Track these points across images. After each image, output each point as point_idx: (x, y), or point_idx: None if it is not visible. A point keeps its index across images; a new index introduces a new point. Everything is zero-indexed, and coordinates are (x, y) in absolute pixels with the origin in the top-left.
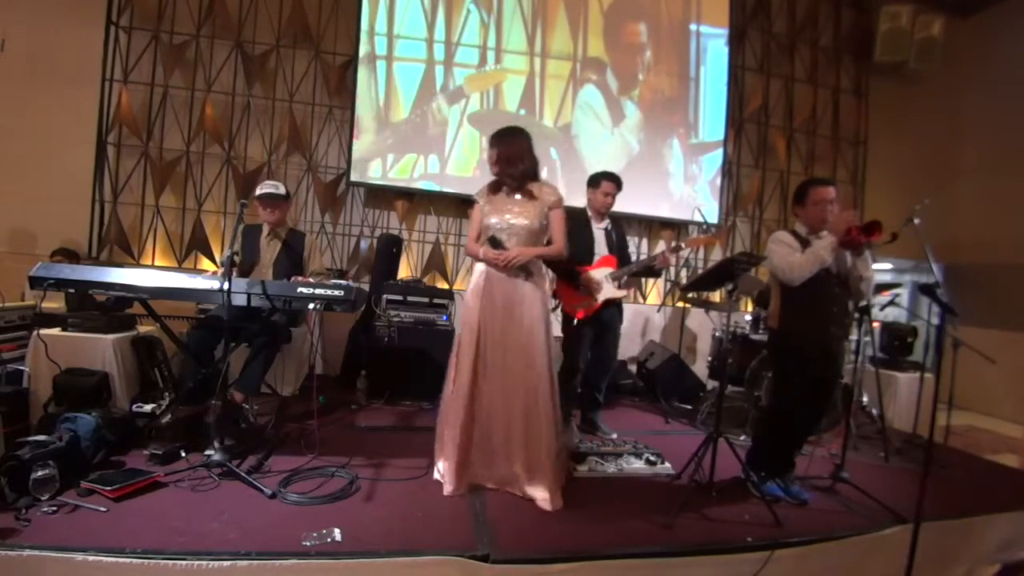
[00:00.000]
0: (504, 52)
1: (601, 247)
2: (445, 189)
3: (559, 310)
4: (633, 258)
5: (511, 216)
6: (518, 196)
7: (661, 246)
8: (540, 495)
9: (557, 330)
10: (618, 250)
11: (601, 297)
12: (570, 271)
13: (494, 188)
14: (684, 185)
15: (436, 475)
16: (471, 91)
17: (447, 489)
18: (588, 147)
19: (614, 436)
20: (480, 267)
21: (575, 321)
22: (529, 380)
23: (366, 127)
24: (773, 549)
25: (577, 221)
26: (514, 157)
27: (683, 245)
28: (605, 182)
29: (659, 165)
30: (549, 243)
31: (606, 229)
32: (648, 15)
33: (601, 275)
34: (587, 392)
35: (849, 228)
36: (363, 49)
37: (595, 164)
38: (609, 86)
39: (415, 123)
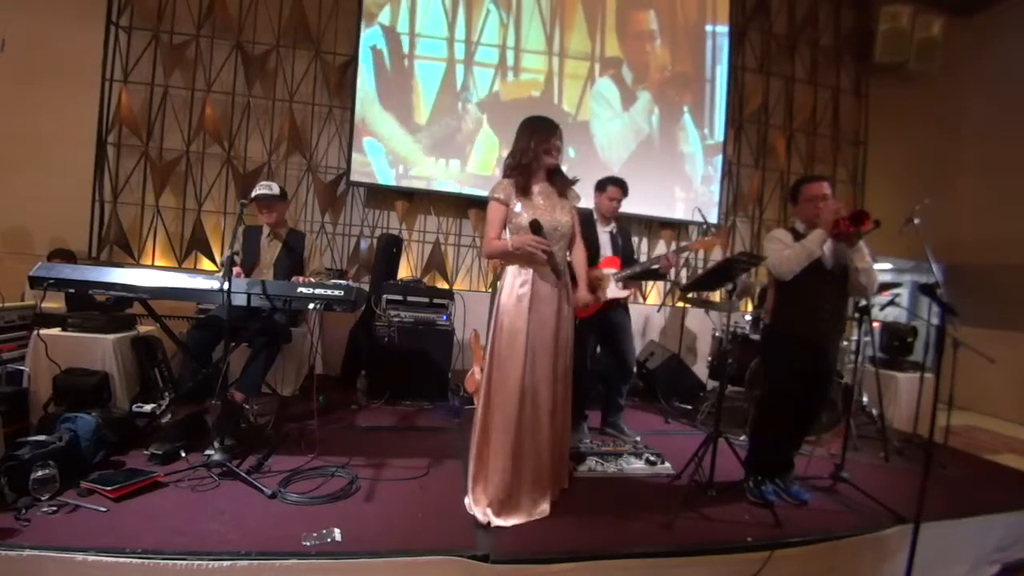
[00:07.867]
0: (523, 52)
1: (606, 249)
2: (447, 188)
3: None
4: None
5: (555, 217)
6: (558, 195)
7: (661, 246)
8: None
9: None
10: (623, 253)
11: (604, 296)
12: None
13: (523, 187)
14: (699, 182)
15: (467, 505)
16: (506, 97)
17: (494, 522)
18: (600, 134)
19: (638, 438)
20: (520, 274)
21: (577, 321)
22: (561, 394)
23: (384, 126)
24: (773, 549)
25: (585, 222)
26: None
27: (686, 245)
28: (611, 187)
29: (673, 148)
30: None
31: (611, 232)
32: (658, 4)
33: (605, 274)
34: (609, 396)
35: (837, 220)
36: (367, 44)
37: (607, 149)
38: (624, 79)
39: (439, 125)
